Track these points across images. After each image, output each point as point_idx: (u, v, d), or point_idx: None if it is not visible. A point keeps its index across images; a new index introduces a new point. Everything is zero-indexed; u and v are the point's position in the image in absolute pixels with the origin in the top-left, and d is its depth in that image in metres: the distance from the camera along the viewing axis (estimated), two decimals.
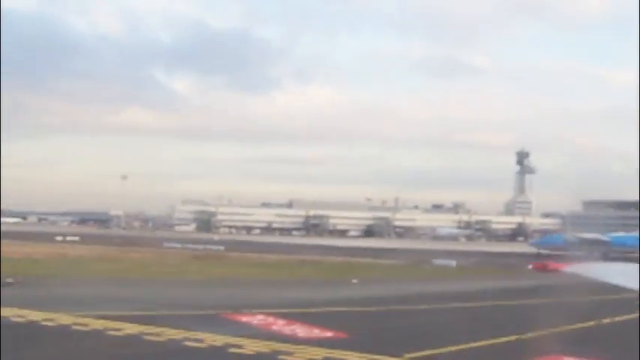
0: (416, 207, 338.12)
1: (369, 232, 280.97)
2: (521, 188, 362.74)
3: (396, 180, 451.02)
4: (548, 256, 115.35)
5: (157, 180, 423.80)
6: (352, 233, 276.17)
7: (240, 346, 26.07)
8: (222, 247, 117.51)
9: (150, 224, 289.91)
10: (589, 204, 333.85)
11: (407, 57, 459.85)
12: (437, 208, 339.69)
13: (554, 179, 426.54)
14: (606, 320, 35.37)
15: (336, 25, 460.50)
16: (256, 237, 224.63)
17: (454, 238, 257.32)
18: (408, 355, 25.21)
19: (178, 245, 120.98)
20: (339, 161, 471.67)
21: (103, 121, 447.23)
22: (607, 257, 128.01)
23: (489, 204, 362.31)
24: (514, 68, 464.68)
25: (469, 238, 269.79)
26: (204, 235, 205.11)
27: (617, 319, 35.76)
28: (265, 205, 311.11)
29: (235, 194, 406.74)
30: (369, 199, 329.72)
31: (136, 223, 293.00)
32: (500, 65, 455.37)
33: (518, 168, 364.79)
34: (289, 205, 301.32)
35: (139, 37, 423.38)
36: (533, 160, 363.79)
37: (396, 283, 61.38)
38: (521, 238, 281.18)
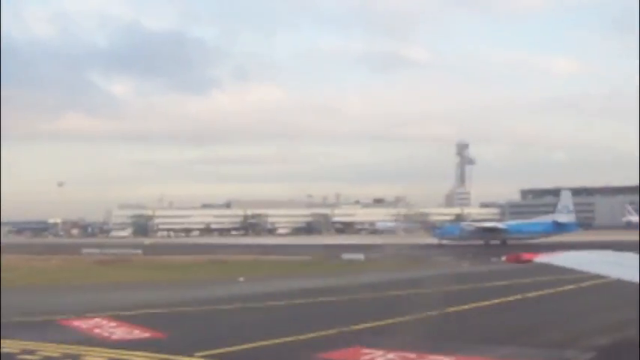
0: (357, 202, 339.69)
1: (308, 229, 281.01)
2: (461, 179, 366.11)
3: (338, 176, 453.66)
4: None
5: (99, 186, 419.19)
6: (281, 231, 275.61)
7: (33, 352, 25.88)
8: (139, 251, 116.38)
9: (89, 230, 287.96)
10: (527, 192, 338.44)
11: (347, 52, 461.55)
12: (378, 202, 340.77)
13: (494, 169, 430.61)
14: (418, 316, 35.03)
15: (274, 23, 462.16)
16: (193, 239, 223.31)
17: (392, 231, 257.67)
18: (198, 354, 25.11)
19: (96, 251, 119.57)
20: (282, 159, 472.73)
21: (41, 128, 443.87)
22: (505, 245, 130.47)
23: (431, 197, 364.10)
24: (454, 61, 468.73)
25: (407, 231, 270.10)
26: (138, 240, 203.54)
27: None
28: (206, 206, 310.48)
29: (177, 197, 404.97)
30: (310, 196, 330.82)
31: (74, 231, 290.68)
32: (440, 58, 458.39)
33: (458, 159, 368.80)
34: (228, 205, 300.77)
35: (75, 42, 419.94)
36: (473, 152, 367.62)
37: (284, 279, 61.02)
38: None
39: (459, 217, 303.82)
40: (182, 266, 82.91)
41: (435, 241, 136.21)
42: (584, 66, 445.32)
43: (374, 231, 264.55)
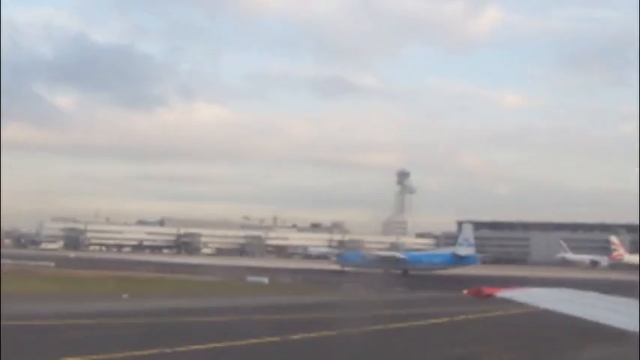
0: (294, 226, 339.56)
1: (241, 250, 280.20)
2: (400, 208, 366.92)
3: (278, 199, 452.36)
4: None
5: (38, 196, 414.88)
6: (205, 251, 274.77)
7: None
8: (53, 264, 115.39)
9: (22, 241, 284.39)
10: (462, 224, 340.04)
11: (294, 76, 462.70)
12: (315, 227, 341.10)
13: (436, 200, 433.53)
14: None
15: (221, 43, 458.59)
16: (123, 255, 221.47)
17: (325, 256, 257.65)
18: None
19: (9, 262, 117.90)
20: (223, 179, 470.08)
21: None
22: (407, 275, 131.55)
23: (369, 224, 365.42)
24: (403, 89, 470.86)
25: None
26: (65, 253, 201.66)
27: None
28: (141, 222, 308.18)
29: (115, 212, 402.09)
30: (246, 218, 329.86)
31: (7, 241, 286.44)
32: (389, 86, 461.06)
33: (398, 188, 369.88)
34: (161, 222, 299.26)
35: (20, 51, 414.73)
36: (416, 181, 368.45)
37: (169, 298, 60.77)
38: None
39: (393, 246, 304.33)
40: (82, 280, 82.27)
41: (338, 267, 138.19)
42: (532, 100, 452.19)
43: (307, 256, 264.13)
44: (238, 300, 61.74)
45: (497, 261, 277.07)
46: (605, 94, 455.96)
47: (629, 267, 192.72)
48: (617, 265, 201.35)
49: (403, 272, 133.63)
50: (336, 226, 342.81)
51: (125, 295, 60.33)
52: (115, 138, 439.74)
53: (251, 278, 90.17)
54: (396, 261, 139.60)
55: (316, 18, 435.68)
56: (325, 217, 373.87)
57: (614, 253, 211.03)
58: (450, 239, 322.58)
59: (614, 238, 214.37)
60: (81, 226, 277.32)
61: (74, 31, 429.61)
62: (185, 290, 72.84)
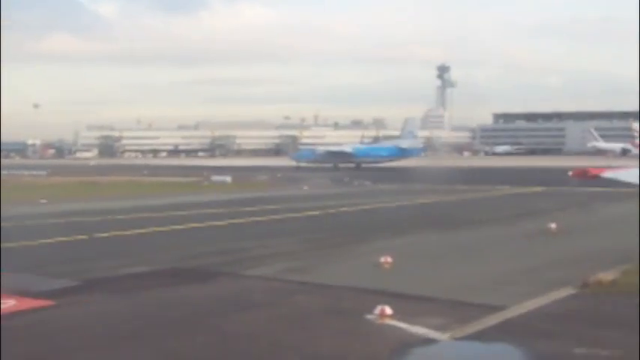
0: (336, 124, 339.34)
1: (277, 150, 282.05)
2: (440, 102, 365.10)
3: (320, 98, 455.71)
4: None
5: (82, 107, 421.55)
6: (199, 154, 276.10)
7: None
8: (44, 172, 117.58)
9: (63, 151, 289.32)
10: (498, 116, 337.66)
11: None
12: (356, 124, 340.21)
13: (476, 92, 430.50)
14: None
15: None
16: (158, 160, 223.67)
17: None
18: None
19: (5, 172, 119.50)
20: (266, 80, 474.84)
21: (26, 49, 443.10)
22: (360, 168, 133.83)
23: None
24: None
25: None
26: (99, 161, 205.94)
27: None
28: (181, 127, 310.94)
29: (159, 118, 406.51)
30: (287, 118, 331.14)
31: (50, 151, 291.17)
32: None
33: (439, 82, 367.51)
34: (196, 126, 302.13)
35: None
36: (458, 74, 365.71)
37: (102, 201, 61.34)
38: (430, 153, 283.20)
39: (427, 140, 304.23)
40: (37, 187, 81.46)
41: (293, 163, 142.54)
42: None
43: None
44: (178, 198, 63.21)
45: (532, 152, 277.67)
46: None
47: None
48: None
49: (356, 165, 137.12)
50: (376, 123, 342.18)
51: (43, 201, 61.04)
52: (158, 44, 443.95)
53: (215, 177, 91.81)
54: (344, 155, 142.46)
55: None
56: (367, 114, 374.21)
57: (637, 140, 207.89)
58: (486, 132, 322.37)
59: (636, 125, 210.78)
60: (116, 134, 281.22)
61: None
62: (135, 191, 73.73)
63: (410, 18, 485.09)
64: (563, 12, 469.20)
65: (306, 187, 77.55)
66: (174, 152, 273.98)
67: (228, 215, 45.71)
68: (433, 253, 30.04)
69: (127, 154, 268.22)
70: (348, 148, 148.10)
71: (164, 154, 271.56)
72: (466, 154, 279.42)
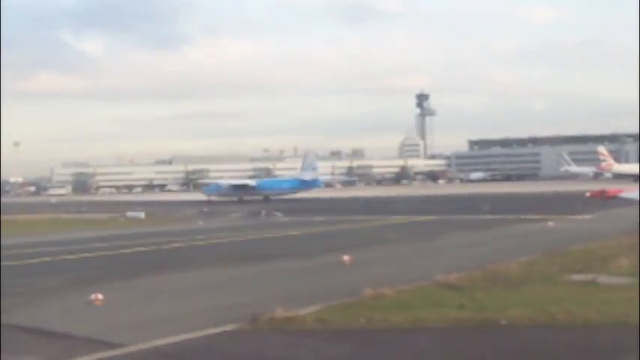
0: (316, 155, 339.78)
1: None
2: (420, 130, 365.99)
3: (301, 130, 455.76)
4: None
5: (67, 145, 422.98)
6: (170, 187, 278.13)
7: None
8: None
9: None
10: (473, 143, 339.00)
11: (318, 4, 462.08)
12: (335, 154, 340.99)
13: (454, 120, 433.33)
14: None
15: None
16: (130, 196, 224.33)
17: (329, 184, 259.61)
18: None
19: None
20: (248, 113, 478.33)
21: (13, 88, 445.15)
22: (268, 200, 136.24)
23: (388, 149, 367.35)
24: (428, 11, 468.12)
25: (346, 184, 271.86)
26: (71, 198, 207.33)
27: None
28: (158, 162, 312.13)
29: (141, 153, 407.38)
30: (266, 150, 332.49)
31: (27, 189, 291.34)
32: (414, 9, 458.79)
33: (418, 110, 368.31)
34: (170, 161, 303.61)
35: (41, 1, 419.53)
36: (438, 102, 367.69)
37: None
38: (405, 181, 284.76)
39: (402, 169, 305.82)
40: None
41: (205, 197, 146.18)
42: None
43: None
44: (74, 234, 64.25)
45: (507, 178, 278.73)
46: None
47: (632, 177, 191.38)
48: (621, 176, 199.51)
49: (264, 198, 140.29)
50: (355, 153, 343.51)
51: None
52: (143, 80, 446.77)
53: (129, 214, 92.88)
54: (247, 188, 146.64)
55: None
56: (347, 145, 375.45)
57: (603, 164, 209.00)
58: (461, 159, 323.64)
59: (601, 149, 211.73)
60: (90, 170, 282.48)
61: None
62: (41, 229, 74.60)
63: (392, 48, 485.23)
64: (542, 37, 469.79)
65: (201, 223, 78.30)
66: (149, 187, 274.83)
67: (69, 251, 46.99)
68: (161, 291, 30.13)
69: (101, 190, 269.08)
70: (251, 182, 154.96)
71: (139, 189, 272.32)
72: (441, 181, 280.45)
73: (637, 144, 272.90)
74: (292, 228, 63.84)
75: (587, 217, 65.82)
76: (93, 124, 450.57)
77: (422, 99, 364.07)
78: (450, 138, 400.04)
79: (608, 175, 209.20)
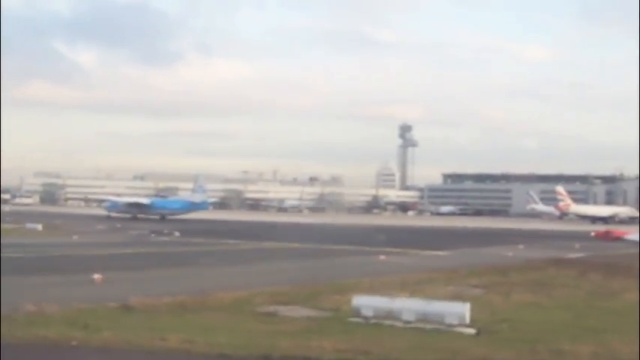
0: (295, 179, 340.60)
1: (221, 204, 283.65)
2: (402, 161, 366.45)
3: (288, 154, 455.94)
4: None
5: (43, 155, 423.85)
6: None
7: None
8: None
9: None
10: (447, 176, 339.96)
11: (312, 31, 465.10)
12: (313, 180, 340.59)
13: (440, 153, 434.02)
14: None
15: None
16: (88, 209, 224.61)
17: (298, 210, 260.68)
18: None
19: None
20: (231, 134, 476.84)
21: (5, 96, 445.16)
22: (164, 219, 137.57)
23: (366, 177, 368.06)
24: (421, 43, 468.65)
25: (315, 209, 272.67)
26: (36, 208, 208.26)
27: None
28: (136, 177, 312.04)
29: (124, 168, 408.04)
30: (245, 172, 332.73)
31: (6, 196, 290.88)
32: (407, 40, 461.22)
33: (400, 141, 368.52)
34: (142, 177, 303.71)
35: (37, 10, 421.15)
36: (422, 134, 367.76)
37: None
38: (376, 211, 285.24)
39: (373, 198, 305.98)
40: None
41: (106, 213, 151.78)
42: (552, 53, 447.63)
43: (280, 209, 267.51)
44: None
45: (478, 213, 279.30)
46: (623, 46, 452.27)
47: (589, 219, 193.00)
48: (585, 217, 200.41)
49: (161, 217, 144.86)
50: (334, 180, 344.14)
51: None
52: (134, 95, 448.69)
53: (28, 225, 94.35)
54: (142, 207, 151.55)
55: None
56: (326, 171, 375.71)
57: (561, 204, 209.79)
58: (434, 191, 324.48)
59: (560, 189, 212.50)
60: (59, 182, 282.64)
61: None
62: None
63: (383, 77, 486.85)
64: (534, 76, 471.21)
65: (75, 237, 79.36)
66: None
67: None
68: None
69: (70, 202, 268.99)
70: (145, 201, 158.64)
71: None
72: (411, 213, 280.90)
73: (604, 186, 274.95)
74: (159, 246, 64.47)
75: (441, 253, 66.68)
76: (79, 136, 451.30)
77: (405, 130, 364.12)
78: (433, 170, 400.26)
79: (572, 216, 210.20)
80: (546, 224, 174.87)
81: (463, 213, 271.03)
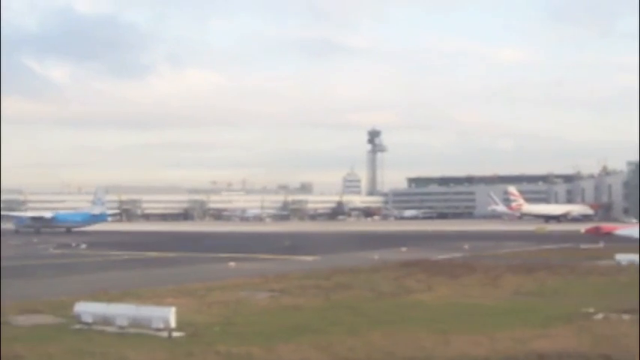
0: (264, 188, 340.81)
1: (185, 215, 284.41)
2: (371, 167, 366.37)
3: (257, 163, 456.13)
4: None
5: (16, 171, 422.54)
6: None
7: None
8: None
9: None
10: (412, 180, 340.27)
11: (283, 39, 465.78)
12: (282, 188, 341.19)
13: (414, 157, 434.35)
14: None
15: (205, 9, 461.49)
16: None
17: (260, 219, 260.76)
18: None
19: None
20: (201, 145, 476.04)
21: None
22: (70, 232, 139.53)
23: (333, 183, 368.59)
24: (392, 49, 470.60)
25: (279, 218, 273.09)
26: None
27: None
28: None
29: (97, 181, 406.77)
30: (214, 182, 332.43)
31: None
32: (378, 46, 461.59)
33: (369, 147, 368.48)
34: (106, 190, 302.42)
35: (6, 26, 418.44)
36: (395, 140, 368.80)
37: None
38: (341, 217, 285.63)
39: (338, 205, 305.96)
40: None
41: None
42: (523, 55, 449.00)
43: (242, 218, 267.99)
44: None
45: (443, 216, 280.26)
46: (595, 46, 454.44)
47: (542, 218, 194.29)
48: (539, 216, 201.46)
49: (67, 230, 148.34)
50: (303, 188, 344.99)
51: None
52: (108, 108, 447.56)
53: None
54: (45, 220, 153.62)
55: None
56: (296, 179, 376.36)
57: (513, 204, 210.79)
58: (398, 195, 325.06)
59: (511, 189, 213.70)
60: (20, 198, 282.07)
61: (58, 2, 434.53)
62: None
63: (355, 83, 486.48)
64: (508, 78, 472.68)
65: None
66: None
67: None
68: None
69: None
70: (48, 215, 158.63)
71: None
72: (376, 218, 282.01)
73: (565, 185, 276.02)
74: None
75: (309, 258, 66.97)
76: (51, 150, 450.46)
77: (373, 135, 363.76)
78: (402, 175, 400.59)
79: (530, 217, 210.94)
80: (502, 225, 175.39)
81: (427, 217, 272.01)
